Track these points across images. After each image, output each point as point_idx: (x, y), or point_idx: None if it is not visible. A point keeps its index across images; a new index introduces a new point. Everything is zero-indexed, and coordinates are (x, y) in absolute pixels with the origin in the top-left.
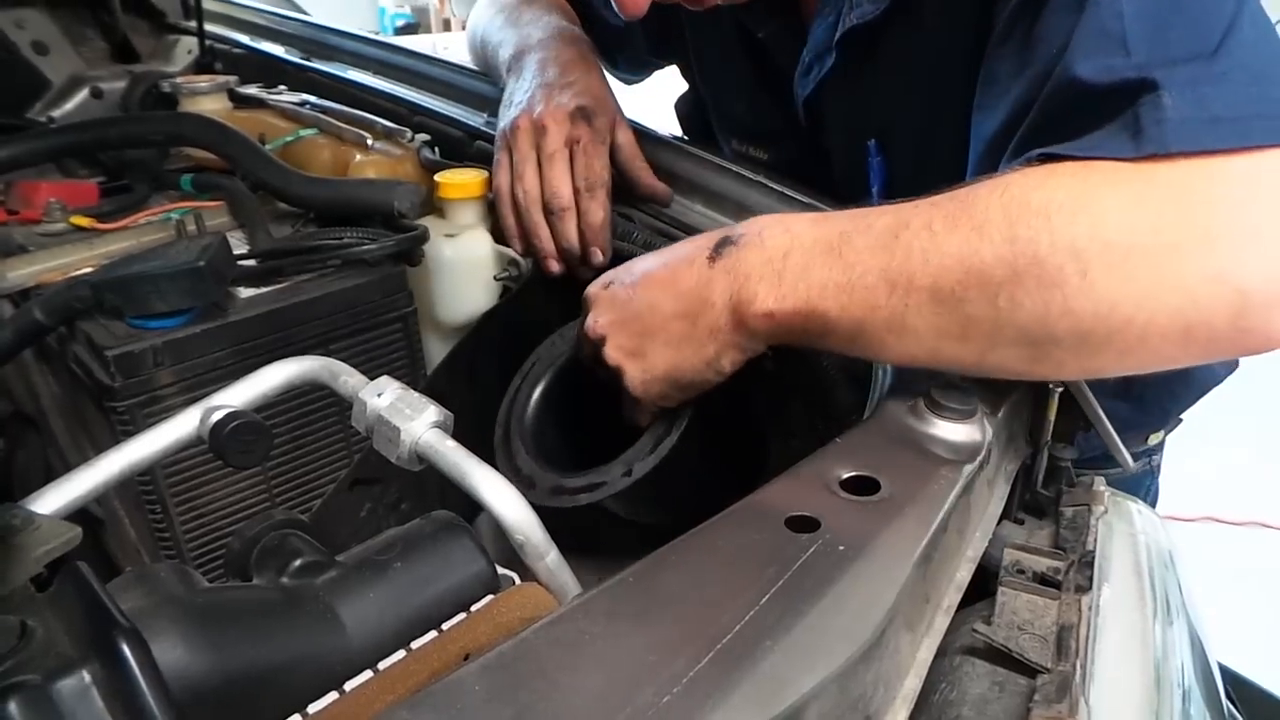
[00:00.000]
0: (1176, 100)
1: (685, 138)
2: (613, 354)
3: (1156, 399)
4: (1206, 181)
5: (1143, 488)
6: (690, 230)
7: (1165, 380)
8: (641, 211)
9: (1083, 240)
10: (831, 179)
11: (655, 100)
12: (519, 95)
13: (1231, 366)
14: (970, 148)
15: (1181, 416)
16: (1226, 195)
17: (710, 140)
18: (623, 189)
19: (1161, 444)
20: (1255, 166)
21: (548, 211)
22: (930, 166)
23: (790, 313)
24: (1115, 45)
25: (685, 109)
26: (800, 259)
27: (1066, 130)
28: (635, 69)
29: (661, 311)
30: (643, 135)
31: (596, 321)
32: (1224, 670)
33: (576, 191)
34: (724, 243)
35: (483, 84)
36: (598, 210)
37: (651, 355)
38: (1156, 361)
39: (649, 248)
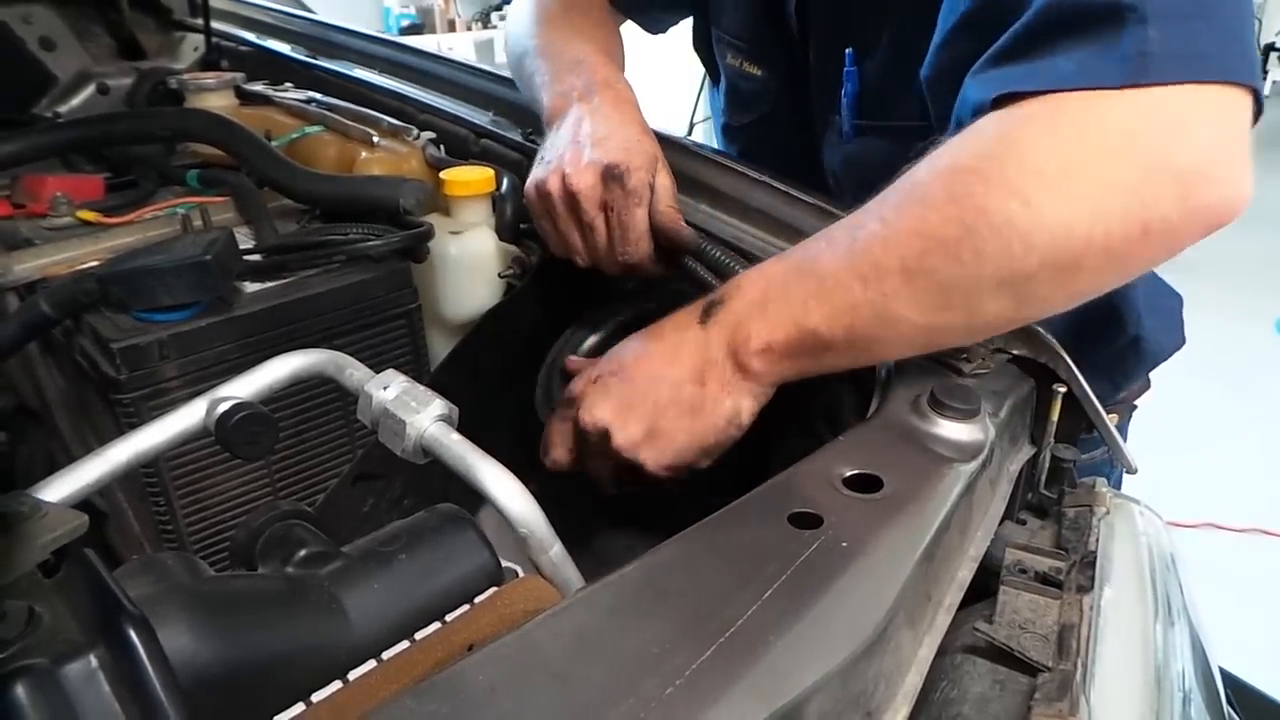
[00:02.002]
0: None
1: (692, 140)
2: (623, 444)
3: (1106, 367)
4: (1133, 97)
5: (1102, 474)
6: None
7: (1110, 343)
8: None
9: (1014, 176)
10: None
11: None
12: (551, 153)
13: (1179, 341)
14: (935, 35)
15: (1135, 403)
16: (1143, 103)
17: (712, 57)
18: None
19: (1121, 429)
20: (1183, 92)
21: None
22: (900, 82)
23: (784, 341)
24: None
25: (697, 27)
26: (779, 289)
27: (1034, 49)
28: (663, 12)
29: (668, 383)
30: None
31: (594, 415)
32: (1225, 675)
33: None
34: (710, 305)
35: (488, 82)
36: (655, 272)
37: (669, 431)
38: (1132, 268)
39: None
